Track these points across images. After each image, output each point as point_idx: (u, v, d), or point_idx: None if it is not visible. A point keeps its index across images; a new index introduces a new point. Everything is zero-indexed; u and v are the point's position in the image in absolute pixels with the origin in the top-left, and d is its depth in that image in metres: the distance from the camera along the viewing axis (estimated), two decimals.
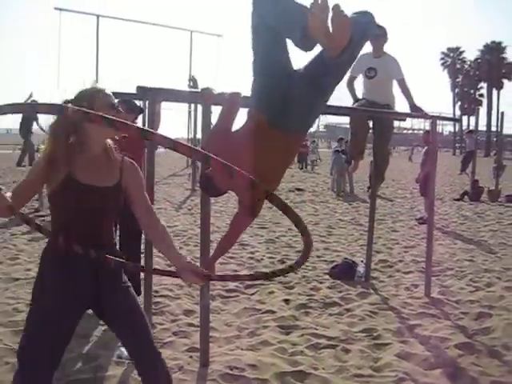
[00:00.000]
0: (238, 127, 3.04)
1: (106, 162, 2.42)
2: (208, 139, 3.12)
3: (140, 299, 4.53)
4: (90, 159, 2.36)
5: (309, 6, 2.53)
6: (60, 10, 20.52)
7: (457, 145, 56.10)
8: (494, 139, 43.86)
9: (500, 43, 62.92)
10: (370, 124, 5.72)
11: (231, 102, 3.13)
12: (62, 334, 2.35)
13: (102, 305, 2.45)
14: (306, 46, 2.66)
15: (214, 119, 3.36)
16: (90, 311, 2.52)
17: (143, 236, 4.23)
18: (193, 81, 13.69)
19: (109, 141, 2.46)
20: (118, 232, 4.67)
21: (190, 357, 3.69)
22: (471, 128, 34.91)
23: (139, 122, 4.86)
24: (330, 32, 2.48)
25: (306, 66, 2.88)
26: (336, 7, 2.45)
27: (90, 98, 2.36)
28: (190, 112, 22.13)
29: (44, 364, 2.29)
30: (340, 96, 4.62)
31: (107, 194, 2.38)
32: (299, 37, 2.59)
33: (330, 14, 2.45)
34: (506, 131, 29.35)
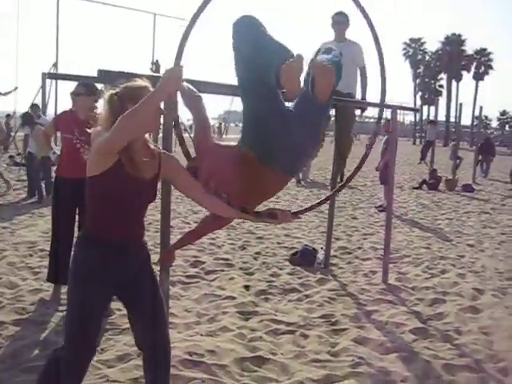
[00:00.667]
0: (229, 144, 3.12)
1: (146, 154, 2.48)
2: (196, 140, 3.13)
3: None
4: (135, 151, 2.39)
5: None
6: None
7: (417, 134, 57.11)
8: (453, 129, 44.84)
9: (460, 35, 64.07)
10: (332, 112, 5.75)
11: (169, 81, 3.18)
12: (96, 315, 2.47)
13: (128, 292, 2.56)
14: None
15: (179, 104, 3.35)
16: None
17: None
18: (155, 65, 13.52)
19: (146, 135, 2.55)
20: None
21: None
22: (431, 118, 35.51)
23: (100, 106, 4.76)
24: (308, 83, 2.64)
25: (296, 107, 2.85)
26: (314, 62, 2.57)
27: (135, 92, 2.37)
28: None
29: (86, 339, 2.42)
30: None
31: (147, 185, 2.46)
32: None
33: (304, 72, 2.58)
34: (463, 122, 30.01)
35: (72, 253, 2.53)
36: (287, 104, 2.87)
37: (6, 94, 15.71)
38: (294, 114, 2.80)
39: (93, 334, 2.45)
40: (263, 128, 2.77)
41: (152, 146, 2.55)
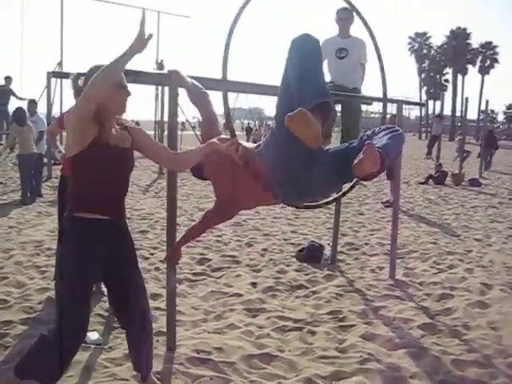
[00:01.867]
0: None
1: (118, 127, 2.66)
2: (203, 135, 3.16)
3: None
4: (110, 126, 2.57)
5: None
6: None
7: (423, 129, 56.95)
8: (459, 124, 44.68)
9: (465, 29, 63.73)
10: (338, 108, 5.73)
11: (175, 81, 3.21)
12: (85, 291, 2.61)
13: (108, 266, 2.67)
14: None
15: (182, 102, 3.35)
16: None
17: None
18: (159, 65, 13.50)
19: None
20: None
21: (157, 340, 3.66)
22: (437, 112, 35.38)
23: None
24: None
25: (334, 154, 2.75)
26: (368, 147, 2.29)
27: None
28: (157, 94, 21.83)
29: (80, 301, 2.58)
30: None
31: (125, 155, 2.65)
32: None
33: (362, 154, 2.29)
34: (469, 116, 29.86)
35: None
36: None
37: (21, 99, 15.74)
38: (323, 160, 2.67)
39: (83, 313, 2.58)
40: (282, 154, 2.69)
41: (121, 121, 2.70)
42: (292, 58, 2.61)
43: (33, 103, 11.27)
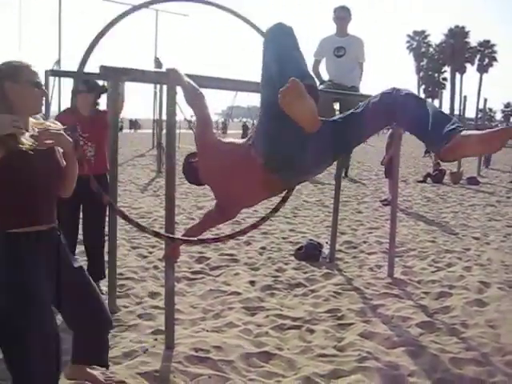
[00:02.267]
0: (234, 140, 3.06)
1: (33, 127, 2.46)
2: (197, 137, 3.11)
3: (104, 282, 4.52)
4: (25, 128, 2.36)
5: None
6: None
7: None
8: None
9: (463, 28, 63.80)
10: (336, 106, 5.73)
11: (173, 80, 3.19)
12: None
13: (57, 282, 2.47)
14: None
15: (180, 100, 3.35)
16: None
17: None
18: (157, 62, 13.46)
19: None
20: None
21: (155, 339, 3.67)
22: None
23: (102, 102, 4.76)
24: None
25: (336, 123, 2.67)
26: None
27: (15, 71, 2.34)
28: (155, 93, 21.83)
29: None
30: None
31: (50, 156, 2.43)
32: None
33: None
34: (467, 115, 29.90)
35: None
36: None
37: None
38: (321, 131, 2.51)
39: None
40: (276, 143, 2.62)
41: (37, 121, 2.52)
42: (270, 49, 2.61)
43: None
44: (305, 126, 2.33)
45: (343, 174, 15.31)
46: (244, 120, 49.12)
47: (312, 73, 5.85)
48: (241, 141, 3.03)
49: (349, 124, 2.61)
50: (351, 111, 2.66)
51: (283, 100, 2.22)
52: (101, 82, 4.63)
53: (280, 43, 2.57)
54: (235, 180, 2.88)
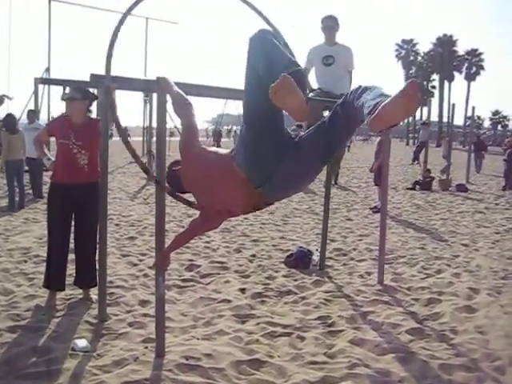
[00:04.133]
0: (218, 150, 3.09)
1: None
2: (182, 145, 3.12)
3: (94, 290, 4.50)
4: None
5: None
6: None
7: (410, 135, 57.33)
8: (444, 130, 45.03)
9: (451, 36, 64.36)
10: (326, 114, 5.75)
11: (163, 88, 3.25)
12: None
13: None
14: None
15: (170, 108, 3.36)
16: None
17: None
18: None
19: None
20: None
21: (146, 347, 3.66)
22: (424, 119, 35.63)
23: (94, 109, 4.77)
24: None
25: (304, 139, 2.67)
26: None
27: None
28: (145, 101, 21.81)
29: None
30: None
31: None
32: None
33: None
34: (455, 122, 30.12)
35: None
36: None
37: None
38: (295, 149, 2.60)
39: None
40: (256, 157, 2.65)
41: None
42: (256, 55, 2.62)
43: (32, 112, 11.39)
44: (294, 116, 2.37)
45: (333, 182, 15.37)
46: (235, 128, 49.16)
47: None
48: (225, 151, 3.04)
49: (320, 136, 2.65)
50: (319, 123, 2.70)
51: (274, 96, 2.27)
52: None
53: (266, 50, 2.60)
54: (217, 190, 2.89)
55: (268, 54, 2.56)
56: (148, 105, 20.41)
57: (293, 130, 17.06)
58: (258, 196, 2.81)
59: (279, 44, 2.65)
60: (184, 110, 3.14)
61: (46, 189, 8.28)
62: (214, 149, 3.20)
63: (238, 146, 2.78)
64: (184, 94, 3.19)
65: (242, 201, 2.89)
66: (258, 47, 2.64)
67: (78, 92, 4.43)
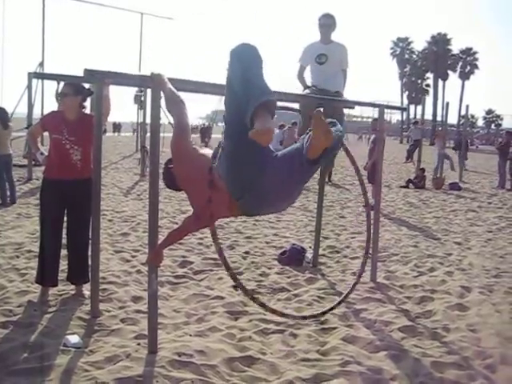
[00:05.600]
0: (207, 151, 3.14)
1: None
2: (173, 144, 3.13)
3: (87, 286, 4.49)
4: None
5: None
6: None
7: (404, 133, 57.47)
8: (439, 128, 45.15)
9: (446, 35, 64.50)
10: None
11: (157, 84, 3.24)
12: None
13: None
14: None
15: (163, 104, 3.35)
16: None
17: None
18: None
19: None
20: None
21: (138, 344, 3.65)
22: (418, 117, 35.70)
23: (88, 105, 4.74)
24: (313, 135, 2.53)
25: (283, 155, 2.78)
26: (317, 114, 2.49)
27: None
28: (140, 96, 21.73)
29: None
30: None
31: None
32: (250, 115, 2.49)
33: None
34: (449, 121, 30.23)
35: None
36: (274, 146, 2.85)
37: None
38: (274, 164, 2.72)
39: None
40: (236, 167, 2.73)
41: None
42: (234, 70, 2.67)
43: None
44: (260, 142, 2.49)
45: (326, 179, 15.37)
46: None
47: (297, 79, 5.88)
48: (207, 151, 3.08)
49: (292, 159, 2.74)
50: (295, 145, 2.80)
51: (252, 137, 2.43)
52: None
53: (245, 65, 2.63)
54: (203, 195, 2.90)
55: (244, 73, 2.60)
56: (141, 100, 20.35)
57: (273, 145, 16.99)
58: (237, 207, 2.84)
59: (257, 65, 2.66)
60: (176, 108, 3.13)
61: (38, 184, 8.24)
62: (206, 151, 3.20)
63: (220, 156, 2.81)
64: (177, 92, 3.18)
65: (227, 209, 2.92)
66: (236, 62, 2.66)
67: (70, 88, 4.40)
